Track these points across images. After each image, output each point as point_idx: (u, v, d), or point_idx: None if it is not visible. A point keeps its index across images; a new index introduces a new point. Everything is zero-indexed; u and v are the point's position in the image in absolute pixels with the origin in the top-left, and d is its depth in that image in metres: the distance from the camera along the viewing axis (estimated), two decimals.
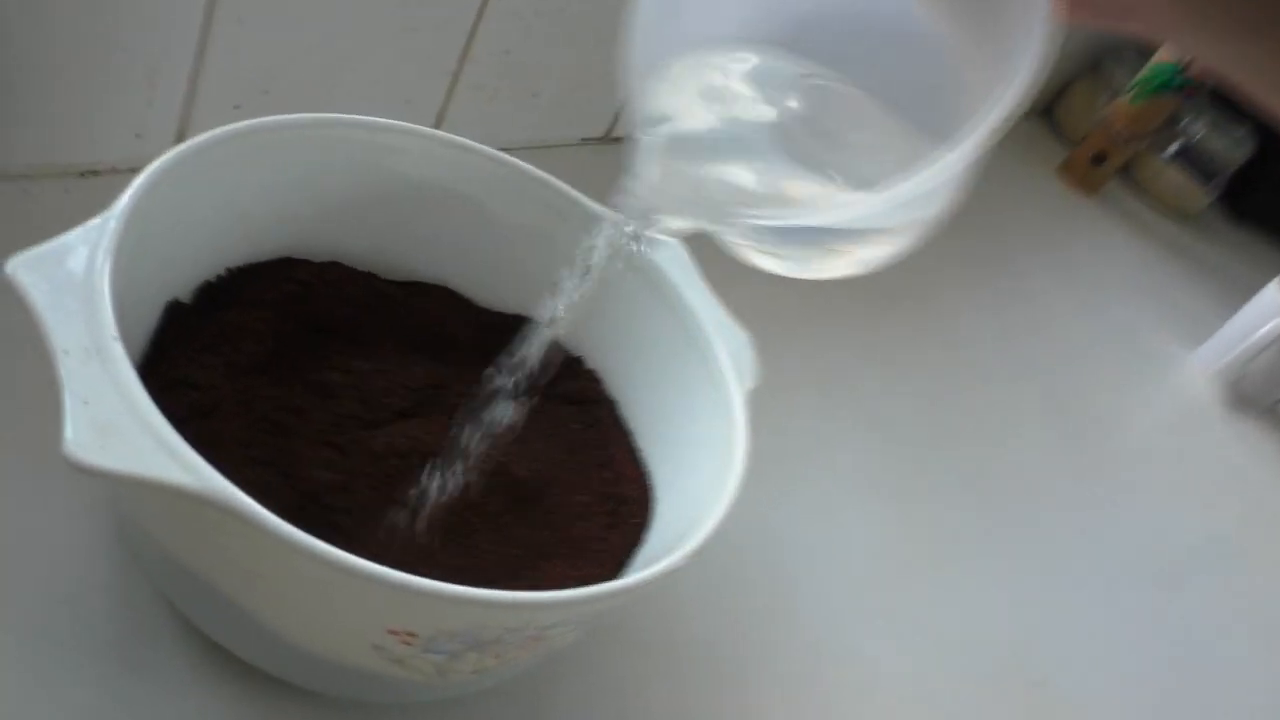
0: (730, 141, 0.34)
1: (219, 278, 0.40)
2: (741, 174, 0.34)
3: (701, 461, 0.39)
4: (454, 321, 0.44)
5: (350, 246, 0.44)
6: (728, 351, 0.40)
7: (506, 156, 0.44)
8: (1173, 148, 1.12)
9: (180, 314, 0.38)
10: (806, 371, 0.62)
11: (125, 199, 0.32)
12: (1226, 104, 1.13)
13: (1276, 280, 0.87)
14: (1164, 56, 1.00)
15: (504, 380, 0.42)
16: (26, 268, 0.29)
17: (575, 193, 0.44)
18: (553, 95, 0.62)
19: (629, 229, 0.33)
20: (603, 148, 0.68)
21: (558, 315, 0.36)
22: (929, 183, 0.27)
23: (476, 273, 0.45)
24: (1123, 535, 0.66)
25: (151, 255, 0.35)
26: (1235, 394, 0.86)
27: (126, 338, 0.34)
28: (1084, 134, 1.08)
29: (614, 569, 0.37)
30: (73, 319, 0.28)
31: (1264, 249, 1.19)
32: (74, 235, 0.30)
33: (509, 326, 0.45)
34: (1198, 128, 1.11)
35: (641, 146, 0.32)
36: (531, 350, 0.37)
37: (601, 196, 0.48)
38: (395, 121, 0.43)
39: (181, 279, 0.38)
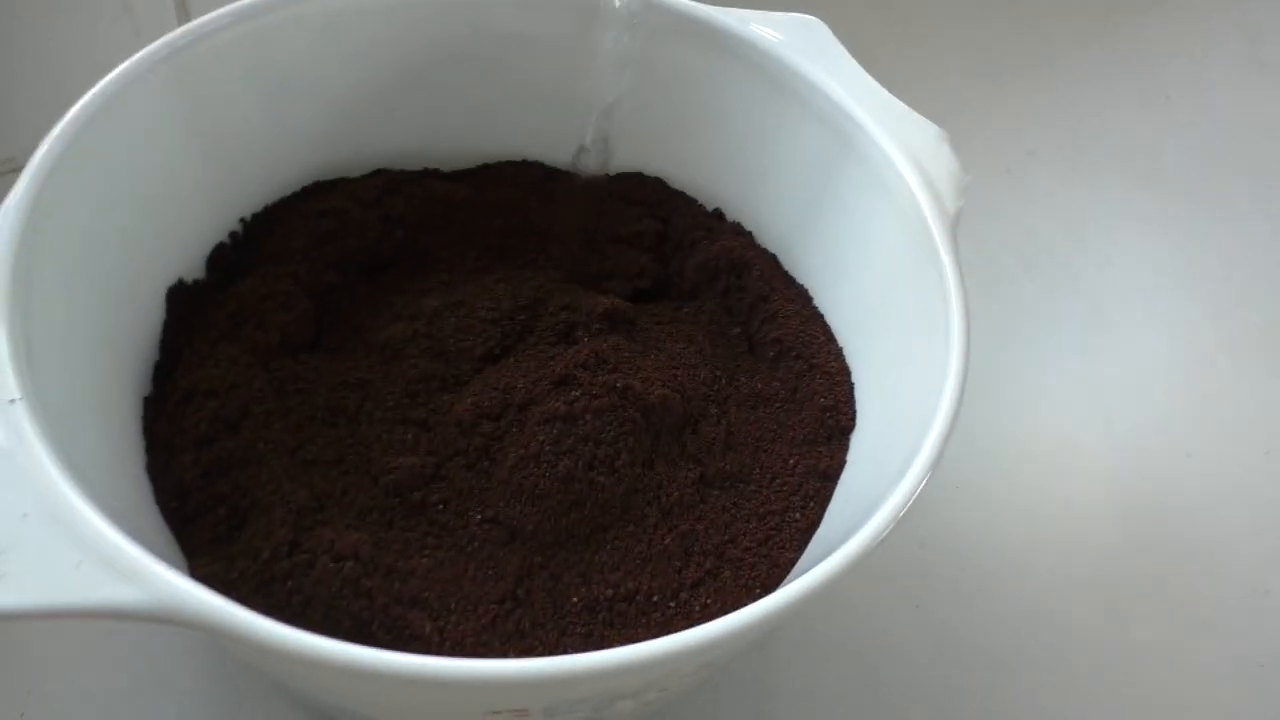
0: None
1: (232, 235, 0.31)
2: None
3: (897, 337, 0.27)
4: (540, 203, 0.33)
5: (397, 144, 0.34)
6: (911, 160, 0.27)
7: None
8: None
9: (189, 297, 0.29)
10: (1038, 139, 0.47)
11: (20, 188, 0.24)
12: None
13: None
14: None
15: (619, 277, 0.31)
16: None
17: None
18: None
19: None
20: None
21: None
22: None
23: (561, 128, 0.34)
24: None
25: (122, 232, 0.27)
26: None
27: (120, 351, 0.27)
28: None
29: (805, 536, 0.26)
30: None
31: None
32: None
33: (615, 192, 0.34)
34: None
35: None
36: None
37: None
38: None
39: (184, 250, 0.30)
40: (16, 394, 0.20)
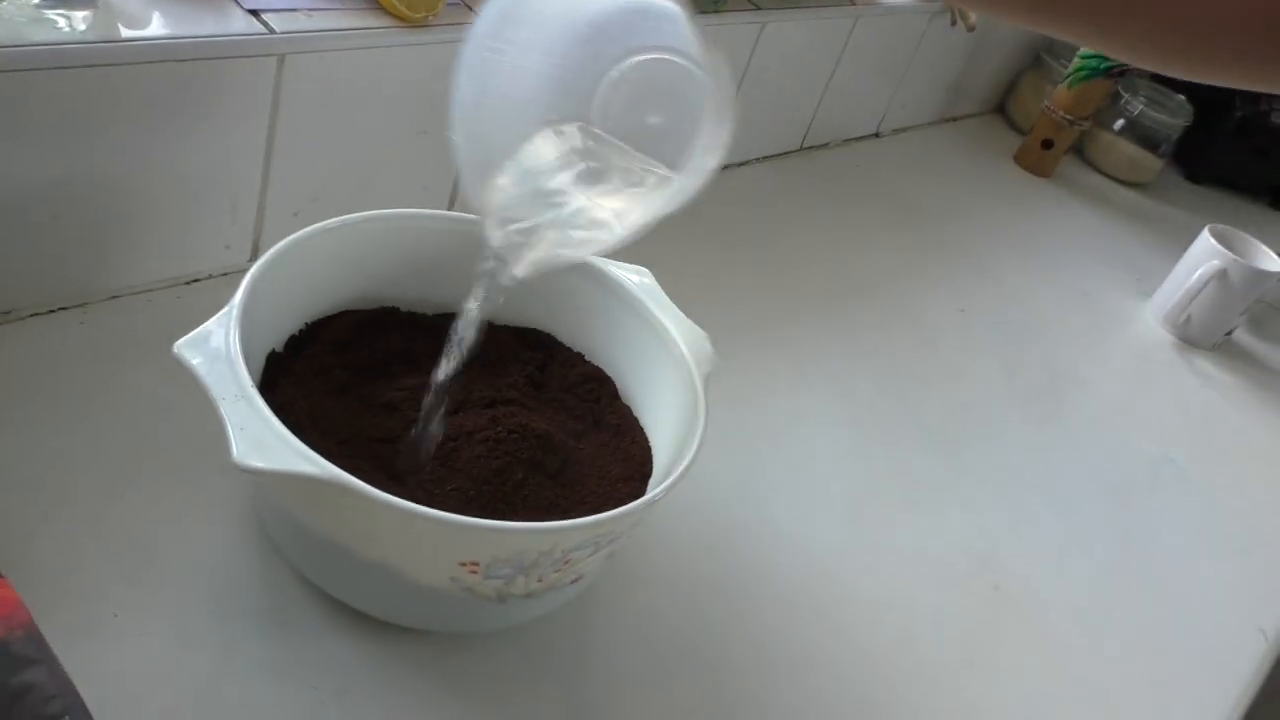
0: (543, 203, 0.47)
1: (300, 330, 0.53)
2: (549, 231, 0.47)
3: (677, 429, 0.52)
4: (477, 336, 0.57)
5: (398, 296, 0.58)
6: (689, 348, 0.53)
7: None
8: (1119, 123, 1.24)
9: (278, 359, 0.51)
10: (783, 360, 0.75)
11: (240, 294, 0.46)
12: (1161, 78, 1.25)
13: (1208, 227, 0.98)
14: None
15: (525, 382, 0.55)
16: (186, 347, 0.43)
17: None
18: None
19: (493, 271, 0.48)
20: None
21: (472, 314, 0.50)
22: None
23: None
24: (1075, 461, 0.77)
25: (258, 324, 0.49)
26: (1183, 336, 0.97)
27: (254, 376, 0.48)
28: (1032, 123, 1.20)
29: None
30: (224, 377, 0.42)
31: (1216, 202, 1.29)
32: (212, 322, 0.44)
33: (515, 335, 0.59)
34: (1137, 103, 1.23)
35: (489, 229, 0.47)
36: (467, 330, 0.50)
37: None
38: (419, 210, 0.56)
39: (276, 335, 0.52)
40: (251, 384, 0.42)
